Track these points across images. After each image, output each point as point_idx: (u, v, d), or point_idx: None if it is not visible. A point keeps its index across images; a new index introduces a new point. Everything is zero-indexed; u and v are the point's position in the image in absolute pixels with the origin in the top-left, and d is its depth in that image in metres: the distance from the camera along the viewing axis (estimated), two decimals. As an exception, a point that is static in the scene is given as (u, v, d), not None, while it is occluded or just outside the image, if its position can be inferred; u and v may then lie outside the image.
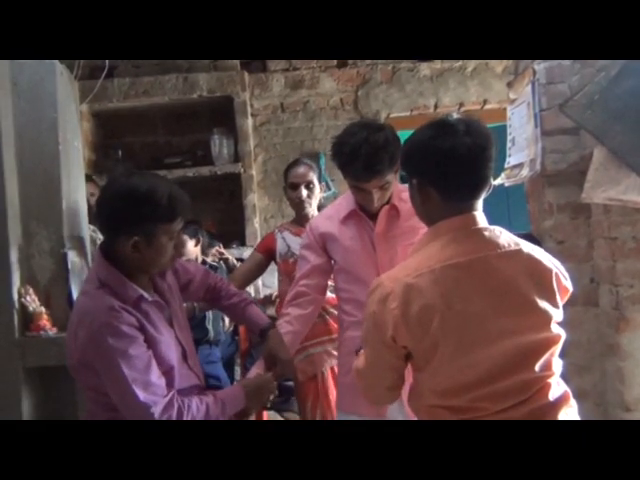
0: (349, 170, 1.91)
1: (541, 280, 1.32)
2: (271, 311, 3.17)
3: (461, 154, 1.30)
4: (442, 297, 1.26)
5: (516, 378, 1.28)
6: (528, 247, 1.35)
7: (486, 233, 1.33)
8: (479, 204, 1.36)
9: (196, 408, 1.54)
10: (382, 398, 1.49)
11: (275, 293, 3.01)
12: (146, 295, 1.59)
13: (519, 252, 1.32)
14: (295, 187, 2.64)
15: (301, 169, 2.66)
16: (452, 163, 1.31)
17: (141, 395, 1.47)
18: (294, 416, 2.80)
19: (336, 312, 2.47)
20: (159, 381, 1.52)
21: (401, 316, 1.27)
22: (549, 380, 1.31)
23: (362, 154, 1.84)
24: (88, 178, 3.39)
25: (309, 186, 2.64)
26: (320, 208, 2.74)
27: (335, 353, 2.46)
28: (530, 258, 1.33)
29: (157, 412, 1.48)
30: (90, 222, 3.03)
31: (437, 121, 1.38)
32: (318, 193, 2.68)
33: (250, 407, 1.73)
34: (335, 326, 2.49)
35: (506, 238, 1.34)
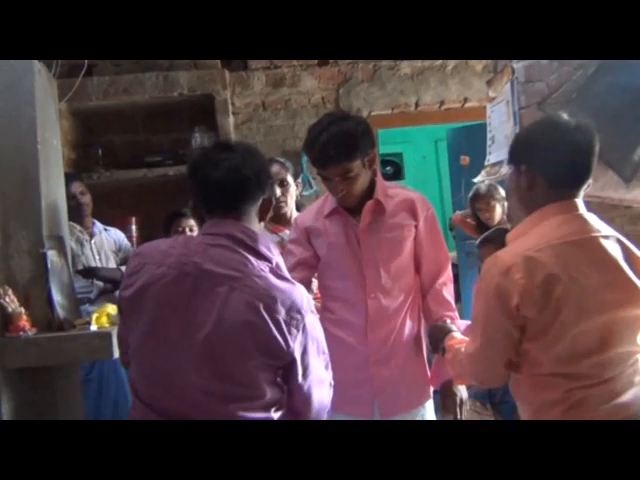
0: (309, 157, 2.00)
1: (634, 264, 1.49)
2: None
3: (570, 146, 1.48)
4: (564, 268, 1.41)
5: (621, 348, 1.44)
6: (620, 236, 1.53)
7: (588, 218, 1.51)
8: (580, 193, 1.53)
9: None
10: (499, 376, 1.56)
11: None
12: None
13: (616, 238, 1.51)
14: None
15: (273, 168, 2.66)
16: (562, 153, 1.48)
17: None
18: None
19: None
20: None
21: (526, 285, 1.40)
22: None
23: (319, 141, 1.88)
24: (77, 177, 3.36)
25: (283, 184, 2.65)
26: (298, 206, 2.75)
27: None
28: (624, 244, 1.51)
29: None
30: (74, 221, 3.00)
31: (549, 117, 1.62)
32: (293, 191, 2.68)
33: None
34: None
35: (603, 225, 1.52)
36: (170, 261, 1.48)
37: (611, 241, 1.49)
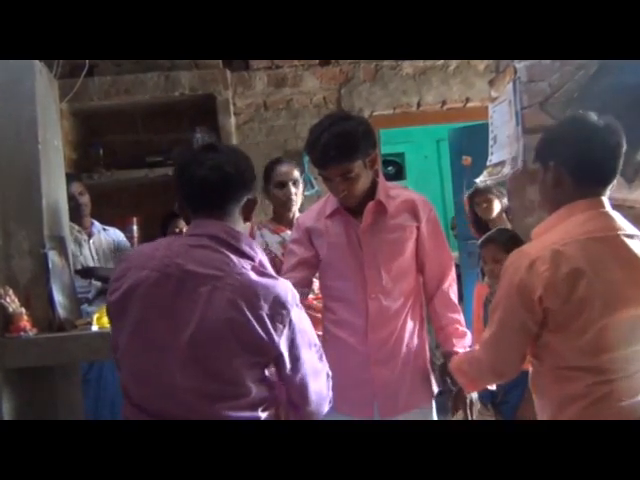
0: (310, 157, 1.99)
1: None
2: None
3: (599, 145, 1.50)
4: (589, 263, 1.43)
5: None
6: None
7: (614, 216, 1.52)
8: (606, 191, 1.55)
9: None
10: (514, 367, 1.57)
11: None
12: None
13: (638, 237, 1.52)
14: (283, 185, 2.65)
15: (285, 167, 2.68)
16: (592, 152, 1.50)
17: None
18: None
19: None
20: None
21: (551, 278, 1.42)
22: None
23: (320, 141, 1.88)
24: (76, 177, 3.36)
25: (295, 184, 2.66)
26: (300, 207, 2.75)
27: None
28: None
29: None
30: (73, 221, 3.00)
31: (579, 115, 1.60)
32: (302, 191, 2.70)
33: None
34: None
35: (627, 224, 1.53)
36: (153, 263, 1.48)
37: (635, 240, 1.50)
